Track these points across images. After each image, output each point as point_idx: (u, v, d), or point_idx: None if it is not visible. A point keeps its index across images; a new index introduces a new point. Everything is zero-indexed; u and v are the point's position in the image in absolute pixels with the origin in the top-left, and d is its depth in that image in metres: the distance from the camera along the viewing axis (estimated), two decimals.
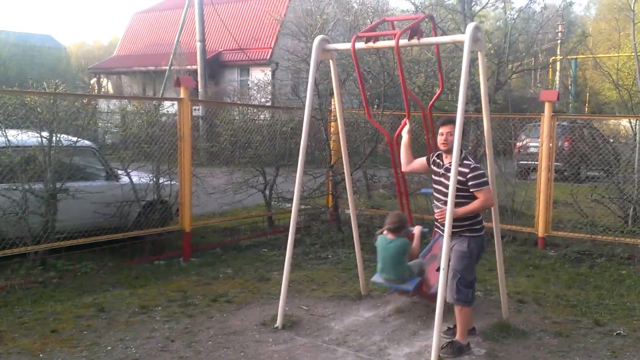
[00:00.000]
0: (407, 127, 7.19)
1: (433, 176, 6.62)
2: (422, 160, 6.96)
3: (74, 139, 9.40)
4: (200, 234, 11.52)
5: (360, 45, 7.09)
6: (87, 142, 10.00)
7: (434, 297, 6.47)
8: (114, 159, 10.58)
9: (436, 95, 8.22)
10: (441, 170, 6.46)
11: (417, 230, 7.52)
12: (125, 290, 8.35)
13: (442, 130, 6.41)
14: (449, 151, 6.27)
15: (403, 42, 6.80)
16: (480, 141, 7.27)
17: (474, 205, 6.27)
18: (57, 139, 9.02)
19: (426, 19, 7.17)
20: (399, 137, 7.43)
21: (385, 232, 7.12)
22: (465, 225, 6.30)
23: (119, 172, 10.37)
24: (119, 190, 9.99)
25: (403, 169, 7.25)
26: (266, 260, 10.24)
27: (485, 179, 6.32)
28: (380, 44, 7.14)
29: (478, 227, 6.42)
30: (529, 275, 9.59)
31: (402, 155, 7.17)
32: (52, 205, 8.97)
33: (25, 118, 9.11)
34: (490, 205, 6.60)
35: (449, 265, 6.16)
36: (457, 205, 6.09)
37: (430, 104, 8.08)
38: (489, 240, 6.66)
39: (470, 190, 6.25)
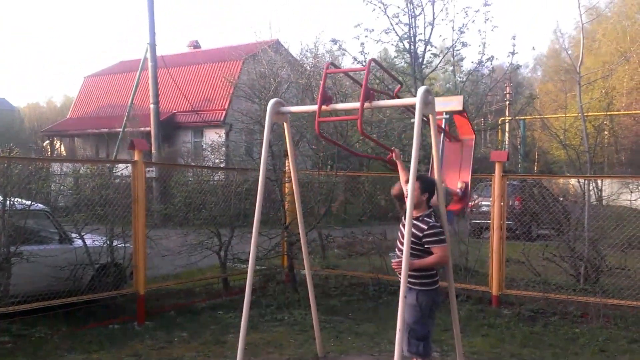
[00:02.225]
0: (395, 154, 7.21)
1: (400, 226, 6.68)
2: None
3: (28, 202, 9.32)
4: (154, 297, 11.38)
5: (312, 107, 7.21)
6: (40, 206, 9.91)
7: None
8: (67, 222, 10.48)
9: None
10: (403, 221, 6.54)
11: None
12: (80, 355, 8.20)
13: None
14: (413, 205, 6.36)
15: (355, 104, 6.92)
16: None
17: (429, 259, 6.34)
18: (11, 202, 8.94)
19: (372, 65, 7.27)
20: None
21: None
22: (416, 277, 6.36)
23: (73, 235, 10.28)
24: (73, 253, 9.88)
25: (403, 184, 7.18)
26: (222, 323, 10.16)
27: (443, 237, 6.41)
28: (336, 106, 7.25)
29: (428, 281, 6.46)
30: (484, 334, 9.65)
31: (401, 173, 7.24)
32: (5, 270, 8.82)
33: None
34: (445, 262, 6.67)
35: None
36: (412, 257, 6.18)
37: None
38: (443, 300, 6.71)
39: (425, 246, 6.33)
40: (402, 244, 6.39)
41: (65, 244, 10.13)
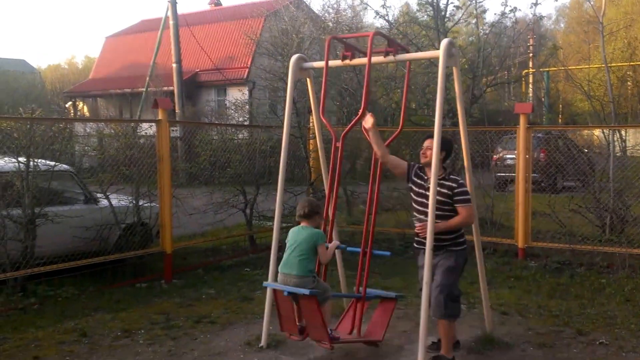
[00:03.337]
0: (368, 119, 6.66)
1: (415, 188, 6.58)
2: (400, 162, 6.85)
3: (52, 163, 9.35)
4: (181, 255, 11.46)
5: (336, 62, 7.17)
6: (64, 166, 9.93)
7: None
8: (92, 183, 10.53)
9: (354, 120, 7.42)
10: (426, 184, 6.39)
11: (332, 245, 6.63)
12: (107, 315, 8.28)
13: (425, 144, 6.43)
14: (428, 164, 6.32)
15: (379, 58, 6.87)
16: (458, 154, 7.37)
17: (455, 220, 6.28)
18: (35, 164, 8.97)
19: (378, 35, 7.14)
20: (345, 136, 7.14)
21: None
22: (449, 239, 6.32)
23: (98, 195, 10.33)
24: (99, 213, 9.95)
25: (380, 157, 6.83)
26: (249, 280, 10.22)
27: (469, 197, 6.37)
28: (357, 60, 7.19)
29: (461, 240, 6.45)
30: (510, 286, 9.65)
31: (374, 144, 6.78)
32: (30, 231, 8.89)
33: (2, 144, 9.07)
34: (471, 222, 6.63)
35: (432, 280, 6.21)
36: (438, 219, 6.13)
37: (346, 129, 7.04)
38: (469, 252, 6.70)
39: (455, 205, 6.28)
40: (424, 206, 6.34)
41: (91, 204, 10.19)
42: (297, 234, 6.30)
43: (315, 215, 6.41)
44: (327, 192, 6.94)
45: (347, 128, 6.98)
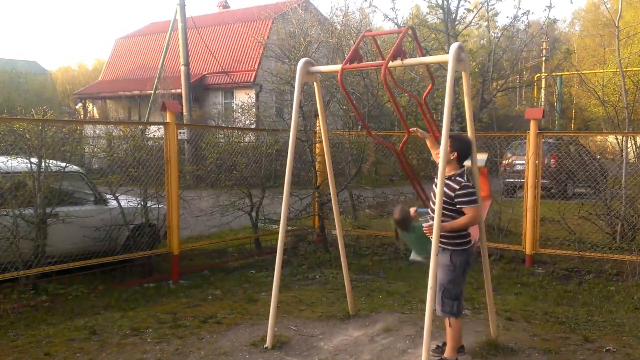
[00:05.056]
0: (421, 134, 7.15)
1: (433, 186, 6.62)
2: None
3: (63, 164, 9.44)
4: (188, 256, 11.51)
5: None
6: (75, 167, 10.02)
7: None
8: (101, 184, 10.59)
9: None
10: (435, 181, 6.44)
11: (412, 210, 6.96)
12: (116, 313, 8.35)
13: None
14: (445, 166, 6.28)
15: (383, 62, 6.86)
16: None
17: (460, 221, 6.27)
18: (46, 164, 9.06)
19: (409, 33, 7.15)
20: (403, 148, 7.50)
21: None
22: (449, 238, 6.33)
23: (107, 196, 10.39)
24: (108, 214, 10.01)
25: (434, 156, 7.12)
26: (254, 282, 10.24)
27: (475, 197, 6.33)
28: (366, 64, 7.20)
29: (462, 241, 6.42)
30: (517, 293, 9.62)
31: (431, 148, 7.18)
32: (42, 230, 8.99)
33: (15, 145, 9.13)
34: (476, 223, 6.60)
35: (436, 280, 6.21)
36: (444, 218, 6.13)
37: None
38: (476, 258, 6.68)
39: (457, 206, 6.27)
40: (434, 204, 6.34)
41: (100, 205, 10.25)
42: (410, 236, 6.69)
43: (408, 222, 6.70)
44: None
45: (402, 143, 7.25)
